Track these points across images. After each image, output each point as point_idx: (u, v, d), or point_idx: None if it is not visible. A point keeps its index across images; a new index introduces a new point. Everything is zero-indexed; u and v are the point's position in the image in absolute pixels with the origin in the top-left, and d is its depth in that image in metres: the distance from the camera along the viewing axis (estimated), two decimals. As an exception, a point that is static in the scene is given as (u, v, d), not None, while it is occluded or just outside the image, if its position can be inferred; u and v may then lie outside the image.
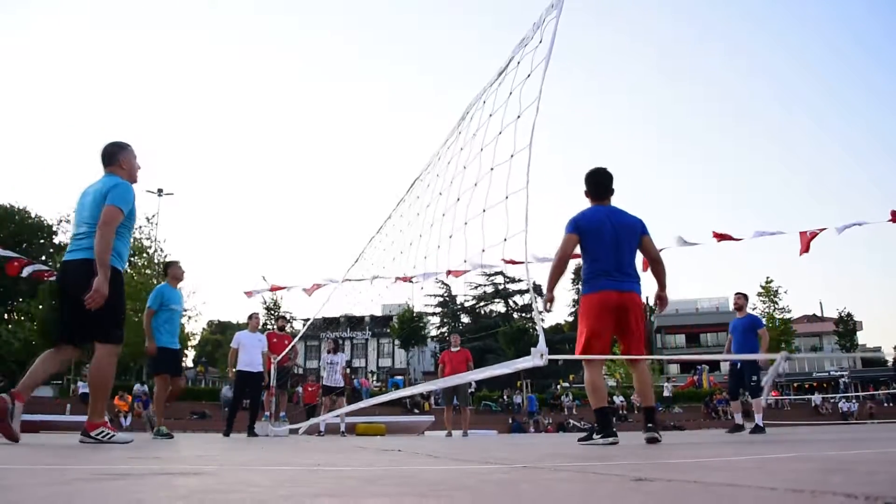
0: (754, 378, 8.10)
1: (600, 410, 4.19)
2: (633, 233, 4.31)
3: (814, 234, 10.96)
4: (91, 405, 4.08)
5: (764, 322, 8.92)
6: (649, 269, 4.66)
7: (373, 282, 8.89)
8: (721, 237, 11.44)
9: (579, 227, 4.24)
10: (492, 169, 3.22)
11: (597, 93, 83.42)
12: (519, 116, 2.85)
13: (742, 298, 8.56)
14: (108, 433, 4.02)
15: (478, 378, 2.61)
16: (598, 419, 4.20)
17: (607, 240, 4.19)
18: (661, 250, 12.89)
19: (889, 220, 10.65)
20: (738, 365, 8.40)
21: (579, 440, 4.49)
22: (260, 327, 9.42)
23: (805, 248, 11.05)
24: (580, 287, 4.40)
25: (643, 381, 4.42)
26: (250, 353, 8.97)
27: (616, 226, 4.25)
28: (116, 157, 4.30)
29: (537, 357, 2.07)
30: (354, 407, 6.47)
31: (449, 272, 10.27)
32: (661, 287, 4.52)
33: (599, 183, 4.42)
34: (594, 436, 4.18)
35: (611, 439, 4.03)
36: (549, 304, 4.28)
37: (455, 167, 3.69)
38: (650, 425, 4.18)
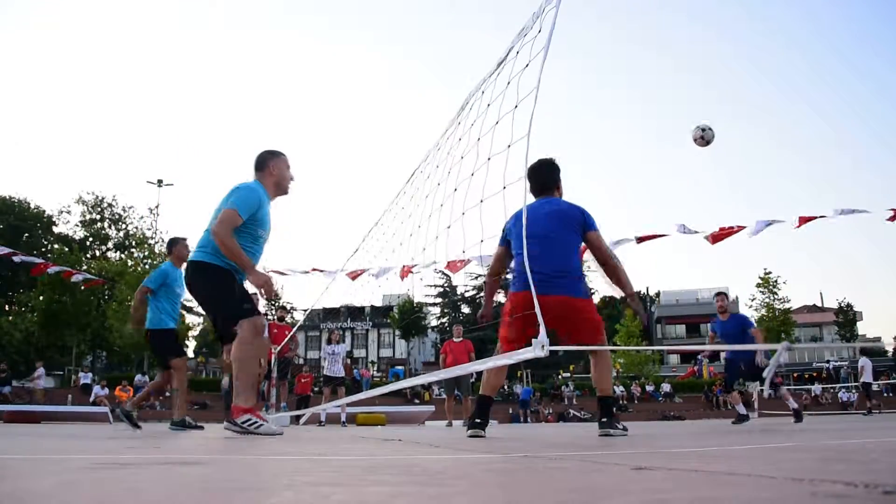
0: (758, 362, 7.30)
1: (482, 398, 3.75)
2: (568, 225, 3.71)
3: (811, 218, 10.92)
4: (235, 388, 3.81)
5: (753, 322, 8.25)
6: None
7: (378, 277, 8.83)
8: (717, 238, 11.34)
9: (506, 233, 3.81)
10: (489, 159, 3.19)
11: (596, 82, 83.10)
12: (516, 106, 2.81)
13: (723, 299, 7.95)
14: (256, 422, 3.67)
15: (479, 369, 2.59)
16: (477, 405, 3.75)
17: (533, 236, 3.44)
18: (661, 236, 12.62)
19: (889, 219, 10.62)
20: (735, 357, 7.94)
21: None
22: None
23: (799, 224, 10.97)
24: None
25: (602, 365, 3.81)
26: None
27: (543, 218, 3.67)
28: (267, 163, 4.18)
29: (538, 348, 2.06)
30: (357, 398, 6.44)
31: (448, 265, 10.24)
32: (623, 289, 3.80)
33: (532, 177, 3.81)
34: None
35: (471, 431, 3.54)
36: (482, 319, 3.92)
37: (454, 158, 3.67)
38: (604, 419, 3.63)
